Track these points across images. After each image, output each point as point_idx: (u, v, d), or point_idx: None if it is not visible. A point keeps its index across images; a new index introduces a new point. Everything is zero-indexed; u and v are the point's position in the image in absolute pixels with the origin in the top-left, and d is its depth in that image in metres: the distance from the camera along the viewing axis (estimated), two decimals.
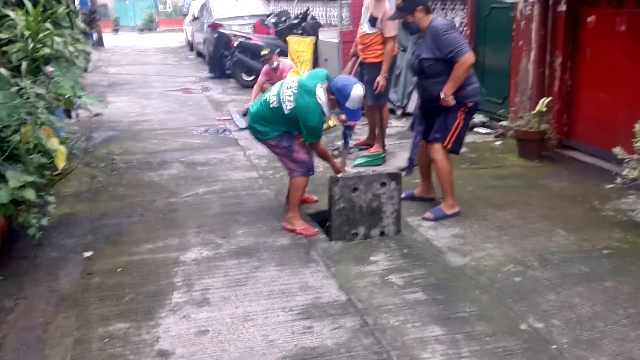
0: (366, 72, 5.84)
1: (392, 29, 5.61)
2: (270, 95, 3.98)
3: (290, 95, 3.85)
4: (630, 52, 5.04)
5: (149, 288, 3.32)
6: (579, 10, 5.53)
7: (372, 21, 5.69)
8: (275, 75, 7.75)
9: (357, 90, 3.80)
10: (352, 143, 6.06)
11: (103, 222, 4.32)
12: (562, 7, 5.57)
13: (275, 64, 7.58)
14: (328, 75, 4.00)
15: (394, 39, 5.67)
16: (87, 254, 3.77)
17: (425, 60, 4.04)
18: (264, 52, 7.74)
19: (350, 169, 4.97)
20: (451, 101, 3.99)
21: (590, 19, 5.43)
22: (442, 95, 3.99)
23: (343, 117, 4.15)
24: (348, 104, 3.82)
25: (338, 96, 3.82)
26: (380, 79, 5.65)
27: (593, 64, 5.47)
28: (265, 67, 7.85)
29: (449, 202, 4.24)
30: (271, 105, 3.94)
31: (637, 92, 4.94)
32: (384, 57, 5.67)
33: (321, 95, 3.83)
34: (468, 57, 3.91)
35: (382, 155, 5.77)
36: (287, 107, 3.86)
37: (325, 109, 3.85)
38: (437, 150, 4.15)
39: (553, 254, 3.61)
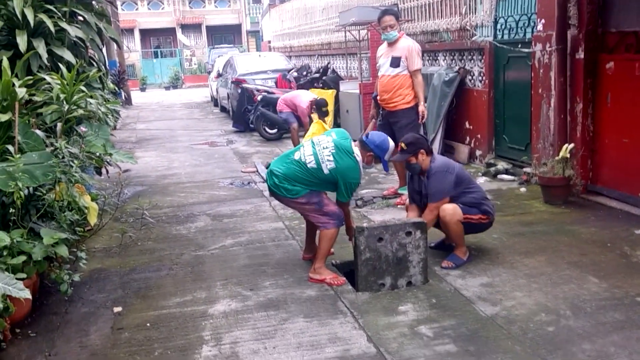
0: (398, 119, 5.92)
1: (418, 61, 5.86)
2: (305, 156, 4.03)
3: (329, 155, 3.97)
4: None
5: (178, 342, 3.33)
6: (597, 57, 5.59)
7: (395, 62, 5.83)
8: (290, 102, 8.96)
9: (392, 143, 4.18)
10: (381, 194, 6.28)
11: (132, 276, 4.38)
12: (581, 55, 5.63)
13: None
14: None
15: (420, 71, 5.92)
16: (117, 309, 3.81)
17: None
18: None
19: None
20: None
21: (609, 65, 5.48)
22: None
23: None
24: (386, 157, 4.14)
25: (377, 152, 4.09)
26: (422, 107, 5.88)
27: (615, 109, 5.48)
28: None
29: (462, 249, 4.29)
30: (308, 166, 4.00)
31: None
32: (416, 88, 5.88)
33: (358, 153, 4.06)
34: (436, 206, 4.16)
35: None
36: (327, 166, 3.96)
37: (361, 166, 4.08)
38: (454, 214, 4.14)
39: (585, 301, 3.54)
